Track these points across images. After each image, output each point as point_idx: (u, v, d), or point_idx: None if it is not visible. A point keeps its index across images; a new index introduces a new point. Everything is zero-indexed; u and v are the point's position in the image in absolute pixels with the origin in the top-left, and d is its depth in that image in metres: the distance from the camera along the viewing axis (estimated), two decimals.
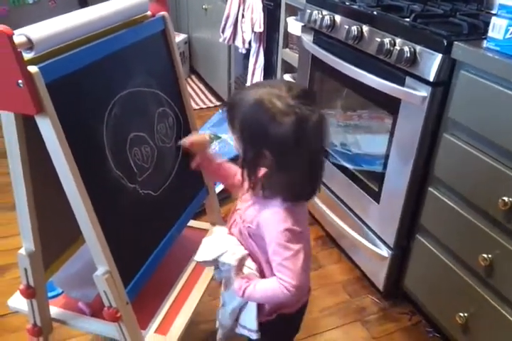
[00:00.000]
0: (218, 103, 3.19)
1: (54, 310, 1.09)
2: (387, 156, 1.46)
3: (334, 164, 1.75)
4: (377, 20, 1.43)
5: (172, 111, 1.21)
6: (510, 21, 1.07)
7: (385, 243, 1.55)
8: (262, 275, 0.94)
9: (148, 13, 1.16)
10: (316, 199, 1.86)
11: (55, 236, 1.02)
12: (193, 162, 1.14)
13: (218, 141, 2.38)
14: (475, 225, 1.20)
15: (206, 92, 3.36)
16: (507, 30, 1.08)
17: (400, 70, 1.33)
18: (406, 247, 1.51)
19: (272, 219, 0.87)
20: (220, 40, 2.52)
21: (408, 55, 1.27)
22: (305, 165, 0.84)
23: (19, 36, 0.78)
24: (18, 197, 0.90)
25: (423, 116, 1.28)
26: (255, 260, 0.94)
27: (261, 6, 2.23)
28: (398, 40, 1.33)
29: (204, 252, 0.95)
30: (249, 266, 0.93)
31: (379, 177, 1.52)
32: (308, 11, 1.74)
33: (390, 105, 1.40)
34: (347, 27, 1.50)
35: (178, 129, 1.24)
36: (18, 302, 1.09)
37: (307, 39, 1.78)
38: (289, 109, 0.78)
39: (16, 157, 0.86)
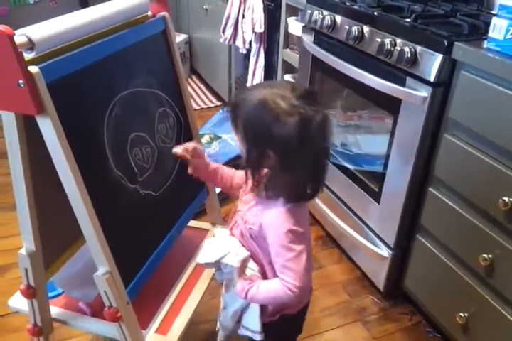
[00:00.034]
0: (219, 103, 3.19)
1: (54, 310, 1.09)
2: (387, 156, 1.46)
3: (335, 164, 1.75)
4: (378, 21, 1.43)
5: (172, 112, 1.21)
6: (511, 22, 1.07)
7: (385, 243, 1.55)
8: (264, 276, 0.94)
9: (149, 13, 1.16)
10: (317, 200, 1.86)
11: (56, 236, 1.02)
12: (189, 168, 1.09)
13: (218, 141, 2.38)
14: (475, 225, 1.20)
15: (207, 92, 3.36)
16: (507, 31, 1.08)
17: (400, 71, 1.33)
18: (406, 247, 1.51)
19: (274, 220, 0.87)
20: (221, 40, 2.52)
21: (409, 55, 1.27)
22: (309, 166, 0.84)
23: (20, 36, 0.78)
24: (19, 197, 0.90)
25: (423, 117, 1.28)
26: (257, 261, 0.94)
27: (261, 6, 2.22)
28: (399, 41, 1.33)
29: (206, 254, 0.95)
30: (252, 268, 0.93)
31: (379, 178, 1.52)
32: (309, 11, 1.74)
33: (391, 105, 1.40)
34: (347, 27, 1.50)
35: (179, 129, 1.24)
36: (18, 302, 1.09)
37: (308, 39, 1.78)
38: (293, 109, 0.78)
39: (17, 157, 0.86)
